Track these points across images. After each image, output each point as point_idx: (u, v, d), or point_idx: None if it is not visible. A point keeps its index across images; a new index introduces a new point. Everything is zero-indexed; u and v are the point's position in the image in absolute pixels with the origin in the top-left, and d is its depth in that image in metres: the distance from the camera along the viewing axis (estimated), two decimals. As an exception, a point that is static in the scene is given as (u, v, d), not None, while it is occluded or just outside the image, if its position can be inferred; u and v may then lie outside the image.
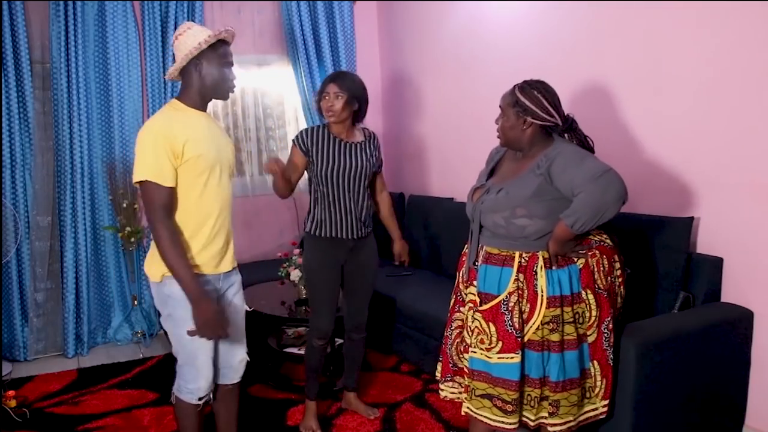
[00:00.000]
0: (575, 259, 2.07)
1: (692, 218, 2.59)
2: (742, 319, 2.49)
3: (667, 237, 2.62)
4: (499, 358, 2.05)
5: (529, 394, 2.08)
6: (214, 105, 4.49)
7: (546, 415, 2.09)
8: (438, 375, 2.40)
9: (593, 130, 3.11)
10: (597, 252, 2.11)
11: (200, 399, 2.14)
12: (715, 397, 2.47)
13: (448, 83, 4.24)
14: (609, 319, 2.11)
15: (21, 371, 3.67)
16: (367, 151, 2.76)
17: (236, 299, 2.24)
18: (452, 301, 2.32)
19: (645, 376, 2.22)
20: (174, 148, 1.95)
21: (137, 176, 1.95)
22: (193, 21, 4.12)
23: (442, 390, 2.33)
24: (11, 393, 3.14)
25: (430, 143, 4.52)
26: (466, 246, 2.30)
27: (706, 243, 2.66)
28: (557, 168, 2.01)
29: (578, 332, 2.08)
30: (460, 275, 2.28)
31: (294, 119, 4.76)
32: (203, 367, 2.11)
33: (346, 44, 4.68)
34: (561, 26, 3.27)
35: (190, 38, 2.01)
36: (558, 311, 2.03)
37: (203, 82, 2.05)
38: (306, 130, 2.71)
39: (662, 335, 2.32)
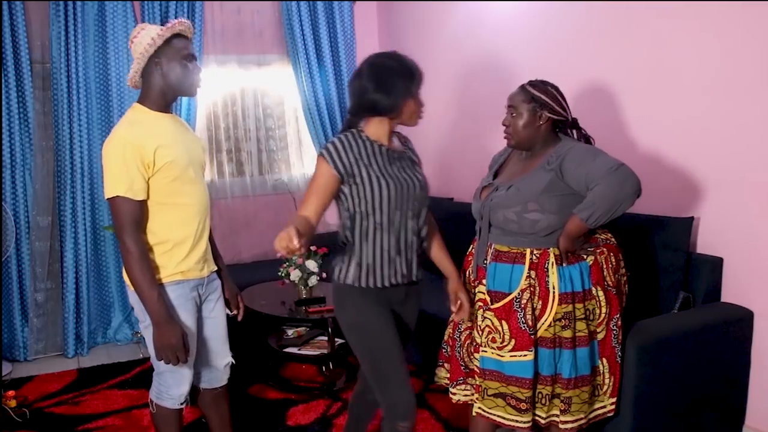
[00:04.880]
0: (584, 256, 2.08)
1: (692, 218, 2.59)
2: (742, 319, 2.49)
3: (667, 237, 2.62)
4: (511, 356, 2.05)
5: (540, 392, 2.09)
6: (214, 105, 4.49)
7: (557, 413, 2.09)
8: (442, 381, 2.38)
9: (594, 129, 3.11)
10: (605, 249, 2.13)
11: (182, 403, 2.12)
12: (715, 397, 2.48)
13: (448, 83, 4.24)
14: (617, 316, 2.13)
15: (21, 371, 3.67)
16: (415, 159, 2.13)
17: (219, 304, 2.21)
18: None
19: (645, 376, 2.23)
20: (144, 157, 1.89)
21: (108, 192, 1.89)
22: (192, 21, 4.13)
23: (455, 394, 2.29)
24: (11, 393, 3.14)
25: (429, 143, 4.51)
26: (471, 246, 2.30)
27: (706, 243, 2.66)
28: (570, 163, 2.03)
29: (589, 329, 2.09)
30: (467, 275, 2.27)
31: (294, 119, 4.76)
32: (187, 372, 2.09)
33: (346, 44, 4.68)
34: (561, 26, 3.27)
35: (144, 38, 1.94)
36: (570, 308, 2.04)
37: (165, 81, 1.97)
38: (340, 141, 1.94)
39: (662, 335, 2.32)
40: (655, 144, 2.83)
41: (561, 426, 2.10)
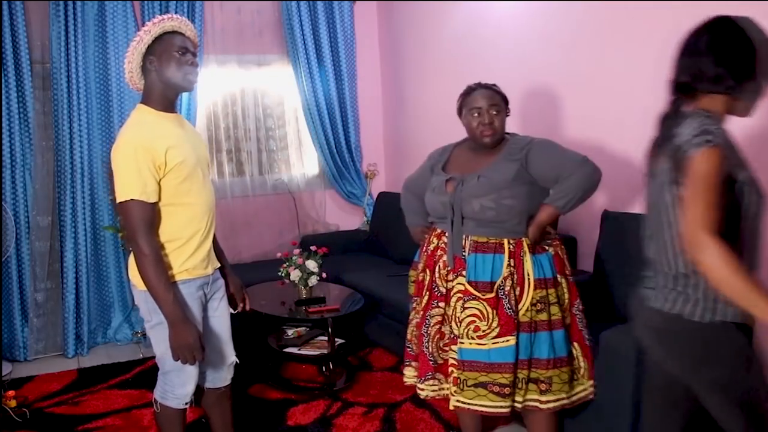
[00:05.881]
0: (546, 248, 2.23)
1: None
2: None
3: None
4: (494, 343, 2.12)
5: (517, 376, 2.16)
6: (214, 105, 4.49)
7: (535, 396, 2.18)
8: (411, 380, 2.40)
9: (593, 128, 3.12)
10: (557, 242, 2.30)
11: (187, 403, 2.12)
12: (715, 397, 2.47)
13: (447, 83, 4.24)
14: (578, 301, 2.27)
15: (21, 371, 3.66)
16: None
17: (223, 303, 2.22)
18: (426, 297, 2.30)
19: (645, 375, 2.22)
20: (156, 159, 1.88)
21: (121, 196, 1.88)
22: (192, 21, 4.12)
23: (423, 390, 2.30)
24: (11, 393, 3.13)
25: (429, 144, 4.50)
26: (437, 241, 2.30)
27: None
28: (537, 155, 2.18)
29: (562, 314, 2.21)
30: (437, 270, 2.27)
31: (294, 119, 4.76)
32: (193, 371, 2.08)
33: (346, 44, 4.69)
34: (561, 25, 3.27)
35: (135, 39, 1.95)
36: (544, 293, 2.16)
37: (161, 78, 1.95)
38: (718, 126, 1.51)
39: (662, 335, 2.32)
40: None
41: (542, 406, 2.18)
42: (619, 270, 2.78)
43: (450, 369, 2.21)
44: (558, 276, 2.22)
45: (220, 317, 2.20)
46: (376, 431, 2.85)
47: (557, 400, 2.18)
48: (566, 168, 2.16)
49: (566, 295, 2.23)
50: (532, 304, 2.14)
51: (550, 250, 2.23)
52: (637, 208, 2.88)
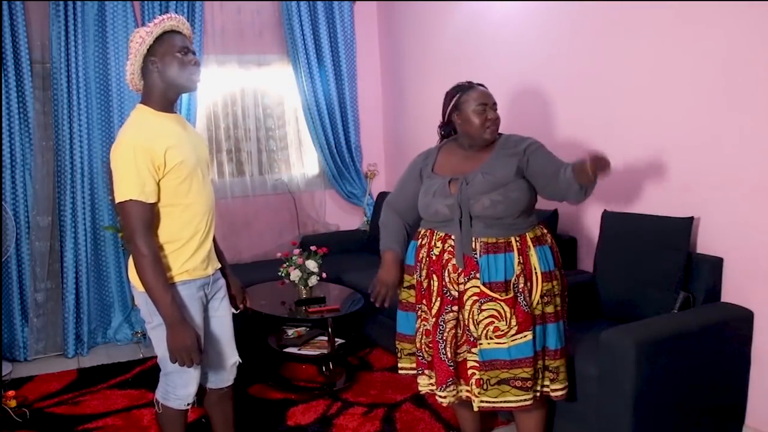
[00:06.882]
0: (547, 240, 2.27)
1: (692, 218, 2.59)
2: (742, 319, 2.49)
3: (667, 237, 2.62)
4: (513, 340, 2.14)
5: (536, 368, 2.20)
6: (214, 105, 4.49)
7: (547, 383, 2.24)
8: (426, 388, 2.36)
9: (593, 128, 3.12)
10: (550, 236, 2.33)
11: (188, 404, 2.12)
12: (715, 397, 2.47)
13: (448, 83, 4.23)
14: (565, 293, 2.34)
15: (21, 371, 3.66)
16: None
17: (224, 303, 2.21)
18: (438, 303, 2.25)
19: (645, 376, 2.23)
20: (155, 160, 1.87)
21: (120, 197, 1.87)
22: (192, 21, 4.13)
23: (444, 397, 2.25)
24: (11, 393, 3.13)
25: (429, 144, 4.50)
26: (441, 245, 2.26)
27: (706, 243, 2.66)
28: (540, 152, 2.23)
29: (562, 305, 2.27)
30: (446, 274, 2.23)
31: (294, 119, 4.76)
32: (194, 372, 2.08)
33: (346, 44, 4.69)
34: (562, 25, 3.27)
35: (136, 38, 1.93)
36: (550, 285, 2.21)
37: (163, 78, 1.94)
38: None
39: (662, 335, 2.32)
40: (655, 143, 2.83)
41: (552, 394, 2.24)
42: (619, 270, 2.79)
43: (471, 371, 2.21)
44: (556, 269, 2.28)
45: (222, 318, 2.20)
46: (376, 431, 2.85)
47: (563, 388, 2.26)
48: (562, 162, 2.23)
49: (561, 287, 2.30)
50: (541, 297, 2.18)
51: (549, 239, 2.28)
52: (635, 207, 2.89)
